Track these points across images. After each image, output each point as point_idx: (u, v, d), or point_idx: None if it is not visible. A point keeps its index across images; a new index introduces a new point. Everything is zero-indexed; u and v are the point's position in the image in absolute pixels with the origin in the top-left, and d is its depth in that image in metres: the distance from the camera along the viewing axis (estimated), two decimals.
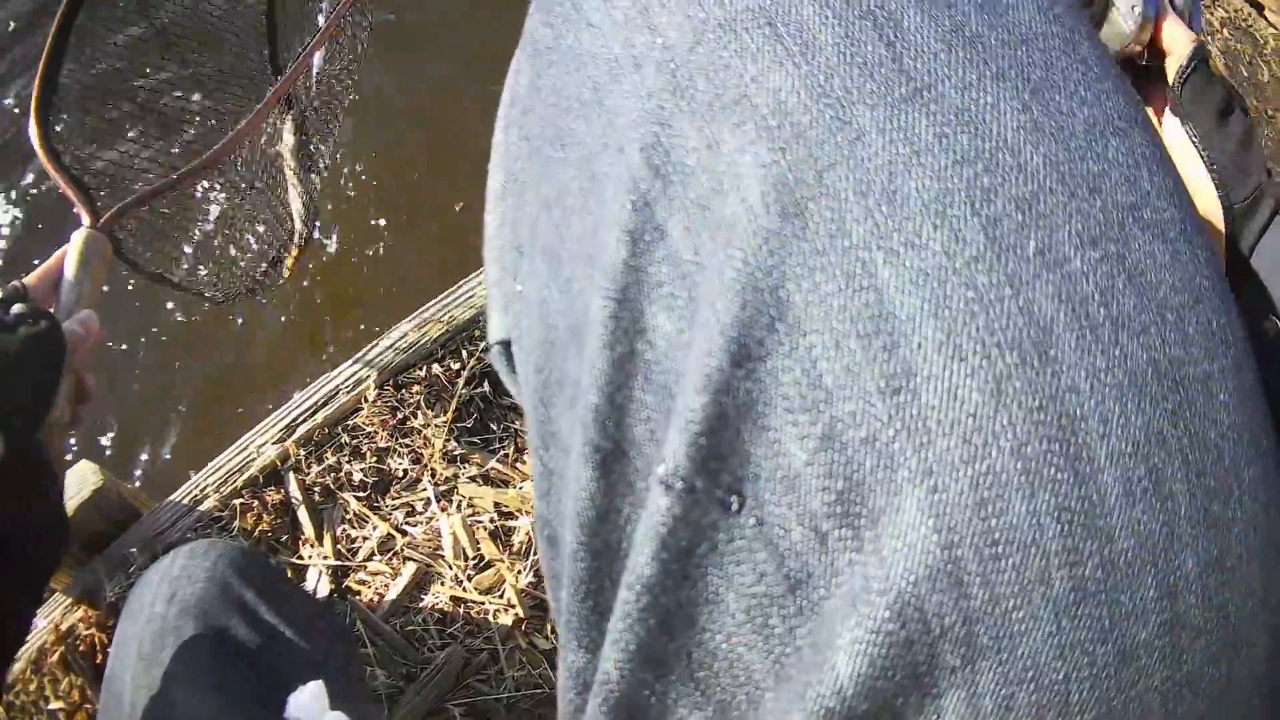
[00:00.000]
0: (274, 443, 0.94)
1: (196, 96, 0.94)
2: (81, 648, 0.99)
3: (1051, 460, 0.18)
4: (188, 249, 0.81)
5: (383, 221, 1.51)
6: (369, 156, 1.57)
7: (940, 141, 0.19)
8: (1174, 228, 0.21)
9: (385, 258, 1.48)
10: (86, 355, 0.61)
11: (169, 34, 0.90)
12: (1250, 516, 0.20)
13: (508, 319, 0.28)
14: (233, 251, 0.95)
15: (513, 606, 0.89)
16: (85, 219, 0.69)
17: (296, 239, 0.85)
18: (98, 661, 0.99)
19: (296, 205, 0.87)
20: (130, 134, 0.89)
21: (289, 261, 0.86)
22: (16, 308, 0.57)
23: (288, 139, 0.90)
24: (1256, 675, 0.20)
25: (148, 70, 0.91)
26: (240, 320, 1.48)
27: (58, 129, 0.75)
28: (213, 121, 0.95)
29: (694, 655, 0.22)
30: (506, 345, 0.29)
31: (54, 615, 1.00)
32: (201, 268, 0.84)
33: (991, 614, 0.18)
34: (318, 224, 0.89)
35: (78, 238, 0.67)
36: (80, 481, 0.97)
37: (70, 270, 0.65)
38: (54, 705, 0.99)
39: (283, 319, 1.45)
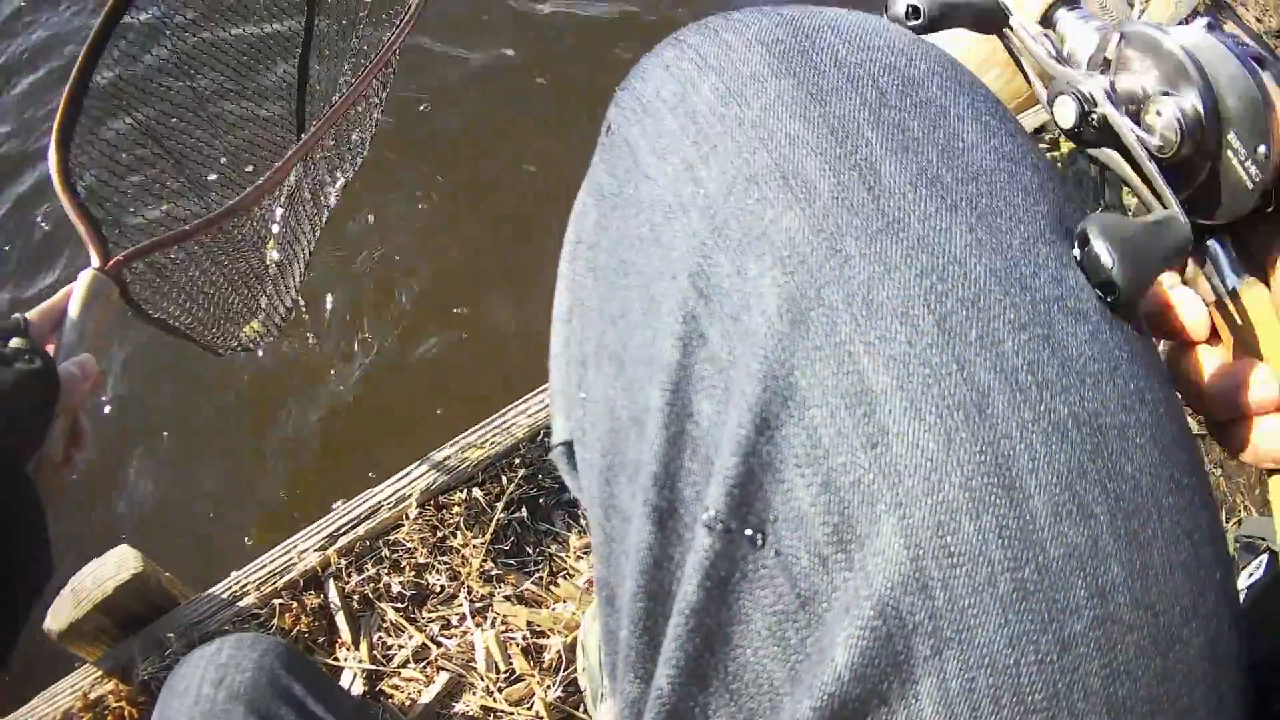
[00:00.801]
0: (316, 549, 0.97)
1: (220, 145, 0.92)
2: (109, 718, 1.03)
3: (991, 490, 0.23)
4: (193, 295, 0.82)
5: (433, 341, 1.54)
6: (421, 274, 1.59)
7: (906, 260, 0.25)
8: (1095, 313, 0.26)
9: (432, 375, 1.49)
10: (81, 398, 0.61)
11: (199, 77, 0.89)
12: (1171, 537, 0.24)
13: (570, 422, 0.35)
14: (236, 303, 0.94)
15: (540, 718, 0.93)
16: (94, 259, 0.68)
17: (286, 303, 0.86)
18: None
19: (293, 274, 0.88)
20: (147, 177, 0.88)
21: (255, 326, 0.87)
22: (14, 342, 0.57)
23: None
24: (1193, 671, 0.24)
25: (170, 113, 0.88)
26: (289, 424, 1.49)
27: (78, 161, 0.74)
28: (234, 172, 0.94)
29: (729, 668, 0.27)
30: (569, 446, 0.35)
31: (83, 684, 1.04)
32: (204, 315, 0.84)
33: (951, 611, 0.23)
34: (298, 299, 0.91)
35: (84, 278, 0.65)
36: (120, 564, 0.99)
37: (74, 309, 0.64)
38: None
39: (328, 428, 1.48)
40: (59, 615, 1.02)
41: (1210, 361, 0.35)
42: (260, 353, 0.92)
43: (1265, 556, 0.87)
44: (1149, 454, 0.25)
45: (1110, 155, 0.35)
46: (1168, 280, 0.37)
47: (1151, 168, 0.33)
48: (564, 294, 0.36)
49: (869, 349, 0.25)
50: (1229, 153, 0.33)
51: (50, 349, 0.63)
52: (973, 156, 0.28)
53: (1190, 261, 0.38)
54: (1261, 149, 0.32)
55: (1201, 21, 0.35)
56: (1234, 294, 0.36)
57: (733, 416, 0.26)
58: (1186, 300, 0.35)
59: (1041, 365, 0.24)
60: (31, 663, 1.38)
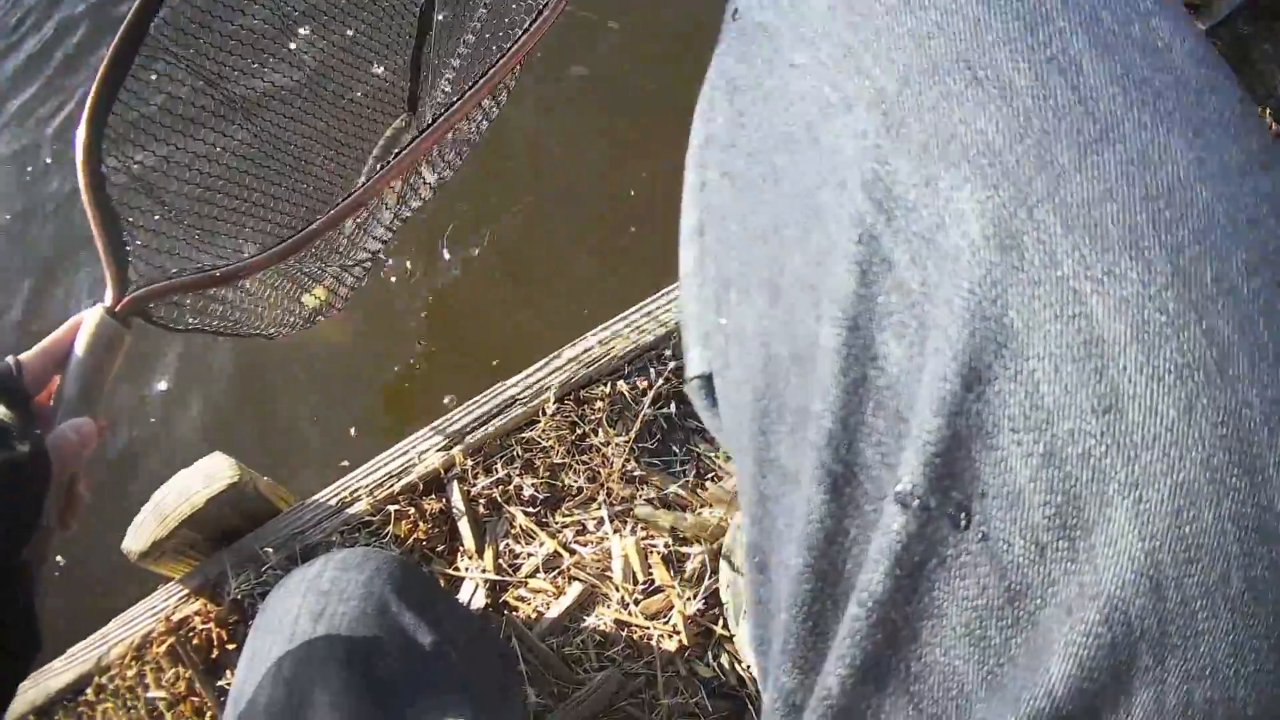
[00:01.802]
0: (439, 449, 0.89)
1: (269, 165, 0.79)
2: (195, 641, 0.94)
3: (1231, 470, 0.20)
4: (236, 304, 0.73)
5: (566, 229, 1.41)
6: (554, 157, 1.47)
7: (1127, 178, 0.21)
8: None
9: (568, 267, 1.37)
10: (80, 466, 0.54)
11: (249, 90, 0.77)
12: None
13: (708, 352, 0.30)
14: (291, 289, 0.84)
15: (677, 633, 0.86)
16: (108, 295, 0.60)
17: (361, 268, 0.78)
18: (213, 658, 0.94)
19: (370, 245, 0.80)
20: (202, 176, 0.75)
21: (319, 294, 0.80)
22: (1, 411, 0.49)
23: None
24: None
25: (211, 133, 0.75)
26: (411, 320, 1.38)
27: (118, 141, 0.65)
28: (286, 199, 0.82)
29: (912, 668, 0.23)
30: (707, 379, 0.30)
31: (166, 604, 0.95)
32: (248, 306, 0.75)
33: (1182, 614, 0.20)
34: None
35: (92, 319, 0.58)
36: (211, 475, 0.92)
37: (80, 349, 0.57)
38: (154, 694, 0.93)
39: (448, 316, 1.35)
40: (140, 534, 0.93)
41: None
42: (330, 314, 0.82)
43: None
44: None
45: None
46: None
47: None
48: (693, 204, 0.31)
49: (1097, 288, 0.20)
50: None
51: (52, 386, 0.56)
52: (1172, 58, 0.23)
53: None
54: None
55: None
56: None
57: (932, 364, 0.22)
58: None
59: (1276, 317, 0.20)
60: (109, 585, 1.27)
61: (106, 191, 0.63)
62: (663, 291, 0.89)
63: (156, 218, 0.69)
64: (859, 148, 0.23)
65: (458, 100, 0.61)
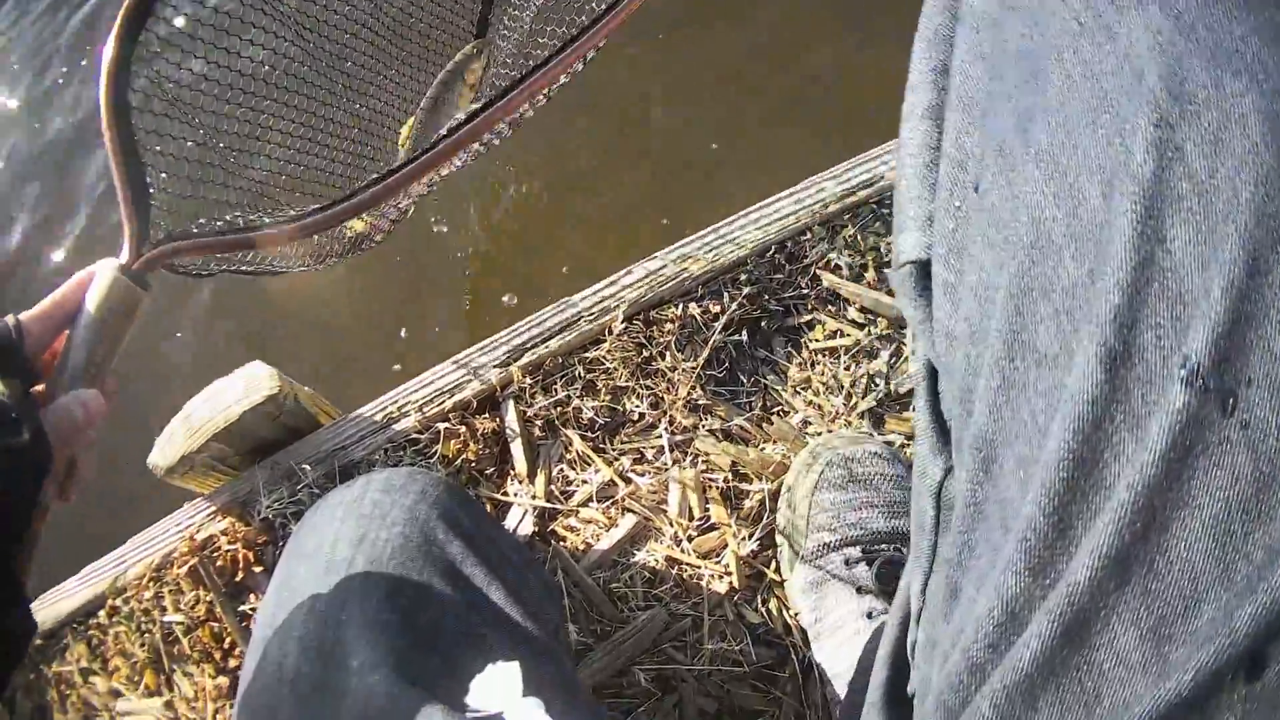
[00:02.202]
0: (496, 365, 0.85)
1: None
2: (219, 562, 0.89)
3: None
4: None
5: (642, 147, 1.34)
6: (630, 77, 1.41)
7: None
8: None
9: (651, 173, 1.29)
10: (82, 443, 0.49)
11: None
12: None
13: (928, 238, 0.30)
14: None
15: (729, 574, 0.81)
16: (124, 251, 0.54)
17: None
18: (238, 580, 0.89)
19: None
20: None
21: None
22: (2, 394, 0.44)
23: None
24: None
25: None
26: (474, 219, 1.31)
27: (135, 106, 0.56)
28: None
29: (1156, 564, 0.22)
30: (921, 265, 0.30)
31: (192, 522, 0.90)
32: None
33: None
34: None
35: (105, 276, 0.51)
36: (251, 385, 0.87)
37: (90, 310, 0.51)
38: (171, 617, 0.88)
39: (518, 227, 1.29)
40: (169, 447, 0.89)
41: None
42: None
43: None
44: None
45: None
46: None
47: None
48: (928, 85, 0.31)
49: None
50: None
51: (59, 345, 0.52)
52: None
53: None
54: None
55: None
56: None
57: (1220, 250, 0.22)
58: None
59: None
60: (134, 499, 1.21)
61: (131, 122, 0.55)
62: (743, 212, 0.86)
63: (189, 144, 0.62)
64: (1154, 43, 0.24)
65: (536, 71, 0.52)
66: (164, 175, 0.59)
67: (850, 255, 0.86)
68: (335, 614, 0.52)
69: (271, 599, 0.56)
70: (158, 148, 0.58)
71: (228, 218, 0.61)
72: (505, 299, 1.19)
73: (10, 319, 0.49)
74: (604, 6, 0.56)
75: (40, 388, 0.51)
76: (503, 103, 0.51)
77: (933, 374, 0.32)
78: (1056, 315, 0.25)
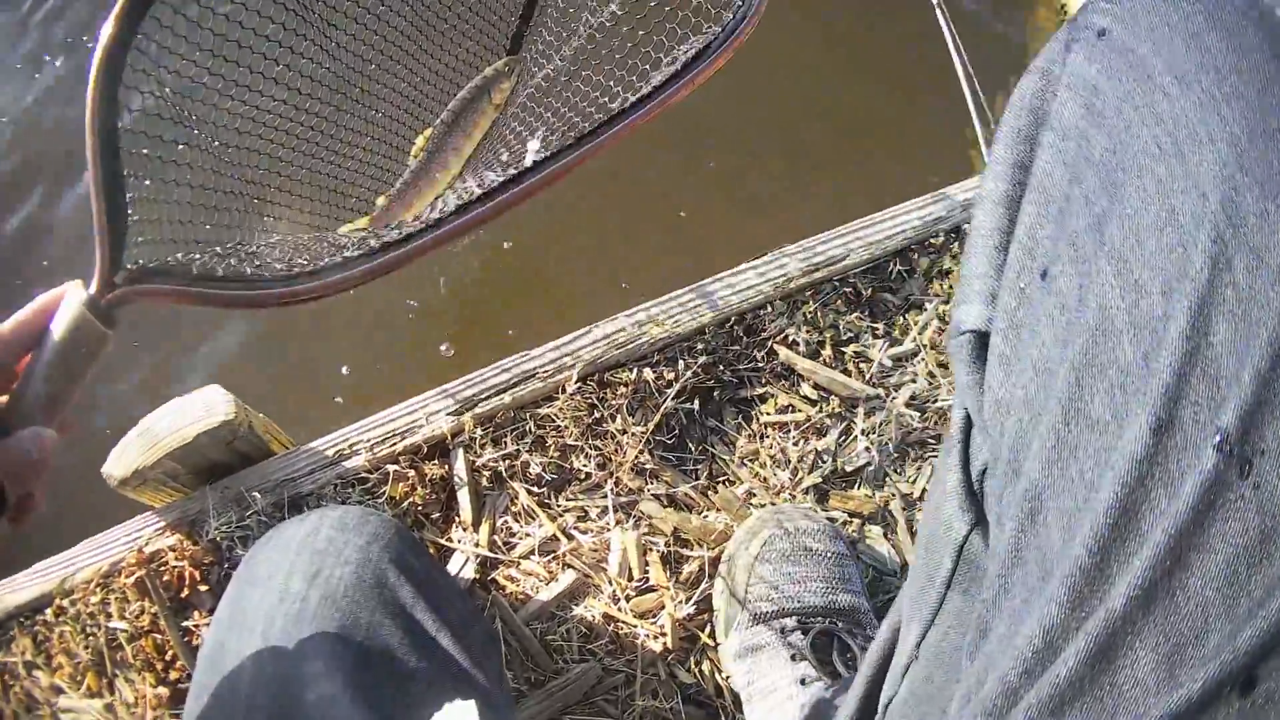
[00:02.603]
0: (449, 413, 0.86)
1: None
2: (165, 577, 0.90)
3: None
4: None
5: (605, 214, 1.36)
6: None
7: None
8: None
9: (602, 250, 1.32)
10: (35, 484, 0.47)
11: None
12: None
13: (990, 311, 0.35)
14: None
15: (664, 634, 0.83)
16: (93, 282, 0.50)
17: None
18: (183, 596, 0.90)
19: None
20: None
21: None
22: None
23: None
24: None
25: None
26: (442, 277, 1.33)
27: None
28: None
29: (1176, 595, 0.26)
30: (980, 335, 0.35)
31: (141, 535, 0.91)
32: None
33: None
34: None
35: (71, 307, 0.48)
36: (209, 407, 0.88)
37: (56, 338, 0.48)
38: (116, 624, 0.90)
39: (475, 281, 1.31)
40: (124, 459, 0.89)
41: None
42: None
43: None
44: None
45: None
46: None
47: None
48: (1007, 175, 0.35)
49: None
50: None
51: (21, 367, 0.49)
52: None
53: None
54: None
55: None
56: None
57: (1252, 345, 0.26)
58: None
59: None
60: (85, 506, 1.22)
61: (119, 144, 0.51)
62: (704, 281, 0.86)
63: (180, 146, 0.58)
64: (1217, 173, 0.28)
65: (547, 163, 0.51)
66: (147, 187, 0.54)
67: (808, 332, 0.86)
68: (289, 645, 0.53)
69: (222, 623, 0.57)
70: (144, 151, 0.53)
71: (211, 255, 0.58)
72: (443, 348, 1.20)
73: None
74: (664, 80, 0.55)
75: None
76: (548, 172, 0.52)
77: (965, 440, 0.37)
78: (1111, 389, 0.29)
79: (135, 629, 0.91)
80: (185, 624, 0.89)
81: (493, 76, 0.73)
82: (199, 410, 0.88)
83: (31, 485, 0.46)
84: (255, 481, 0.89)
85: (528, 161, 0.52)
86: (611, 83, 0.61)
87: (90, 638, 0.93)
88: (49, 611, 0.93)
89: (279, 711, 0.50)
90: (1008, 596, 0.31)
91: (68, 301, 0.49)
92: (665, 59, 0.57)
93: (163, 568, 0.90)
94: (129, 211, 0.52)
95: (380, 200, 0.72)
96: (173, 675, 0.90)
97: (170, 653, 0.91)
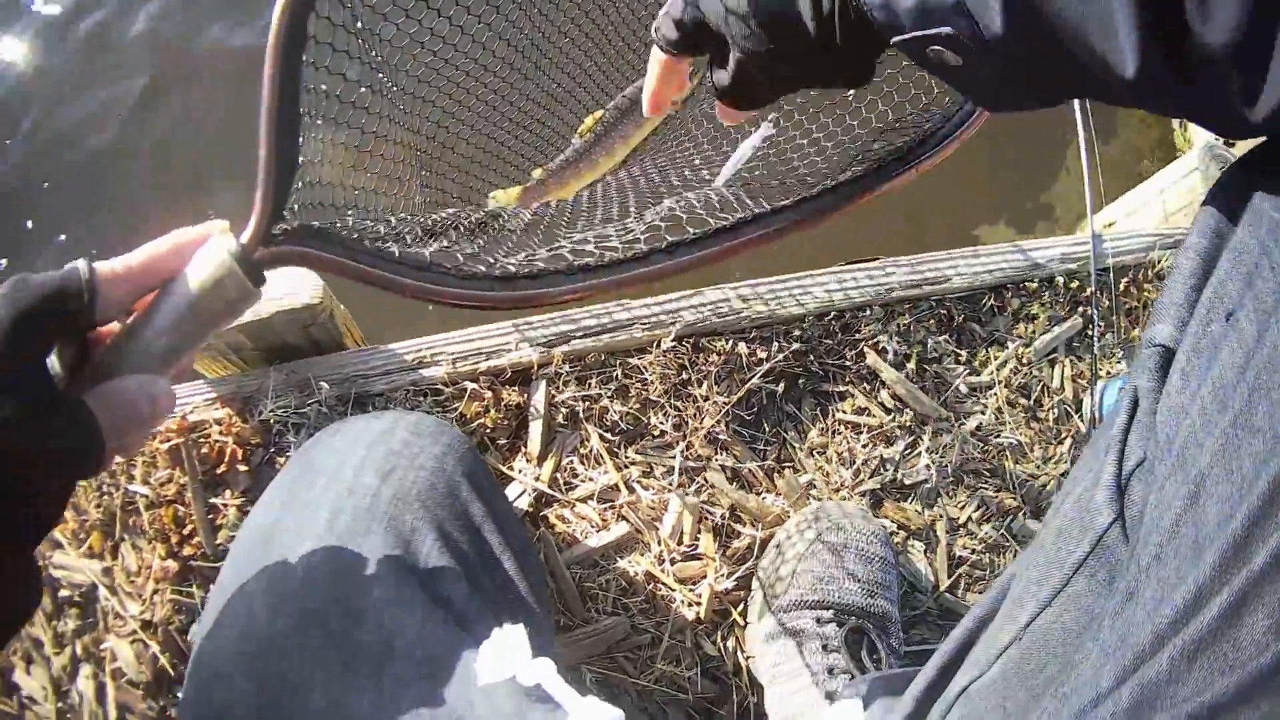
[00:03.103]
0: (540, 343, 0.86)
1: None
2: (204, 449, 0.88)
3: None
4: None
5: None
6: None
7: None
8: None
9: None
10: (136, 443, 0.42)
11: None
12: None
13: (1179, 334, 0.40)
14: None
15: (698, 604, 0.84)
16: (246, 230, 0.45)
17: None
18: (218, 472, 0.88)
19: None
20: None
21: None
22: (54, 363, 0.37)
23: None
24: None
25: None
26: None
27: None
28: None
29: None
30: (1166, 351, 0.40)
31: (189, 402, 0.89)
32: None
33: None
34: None
35: (217, 257, 0.43)
36: (294, 288, 0.86)
37: (191, 287, 0.42)
38: (137, 487, 0.87)
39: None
40: None
41: None
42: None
43: None
44: None
45: None
46: None
47: None
48: (1205, 236, 0.41)
49: None
50: None
51: (137, 314, 0.44)
52: None
53: None
54: None
55: None
56: None
57: None
58: None
59: None
60: None
61: (299, 73, 0.46)
62: (813, 272, 0.88)
63: (363, 89, 0.55)
64: None
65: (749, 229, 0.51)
66: (319, 127, 0.49)
67: (898, 343, 0.89)
68: (355, 537, 0.51)
69: (274, 505, 0.56)
70: (323, 89, 0.48)
71: (377, 224, 0.53)
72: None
73: (83, 267, 0.40)
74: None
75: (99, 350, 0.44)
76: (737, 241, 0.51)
77: (1124, 440, 0.41)
78: (1273, 407, 0.33)
79: (157, 496, 0.88)
80: (213, 500, 0.87)
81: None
82: (283, 288, 0.86)
83: (132, 442, 0.42)
84: (325, 371, 0.88)
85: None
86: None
87: (105, 496, 0.90)
88: None
89: (338, 601, 0.49)
90: (1160, 565, 0.35)
91: (212, 248, 0.43)
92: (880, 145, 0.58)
93: (202, 439, 0.88)
94: (299, 153, 0.47)
95: (536, 173, 0.72)
96: (186, 550, 0.88)
97: (190, 527, 0.88)
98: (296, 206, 0.48)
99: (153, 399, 0.41)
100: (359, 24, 0.54)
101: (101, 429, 0.39)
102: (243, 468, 0.88)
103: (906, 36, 0.42)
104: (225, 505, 0.87)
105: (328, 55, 0.50)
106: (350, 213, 0.55)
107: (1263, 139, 0.39)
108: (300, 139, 0.47)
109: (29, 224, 1.55)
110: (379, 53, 0.60)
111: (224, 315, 0.44)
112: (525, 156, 0.80)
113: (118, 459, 0.88)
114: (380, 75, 0.61)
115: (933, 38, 0.41)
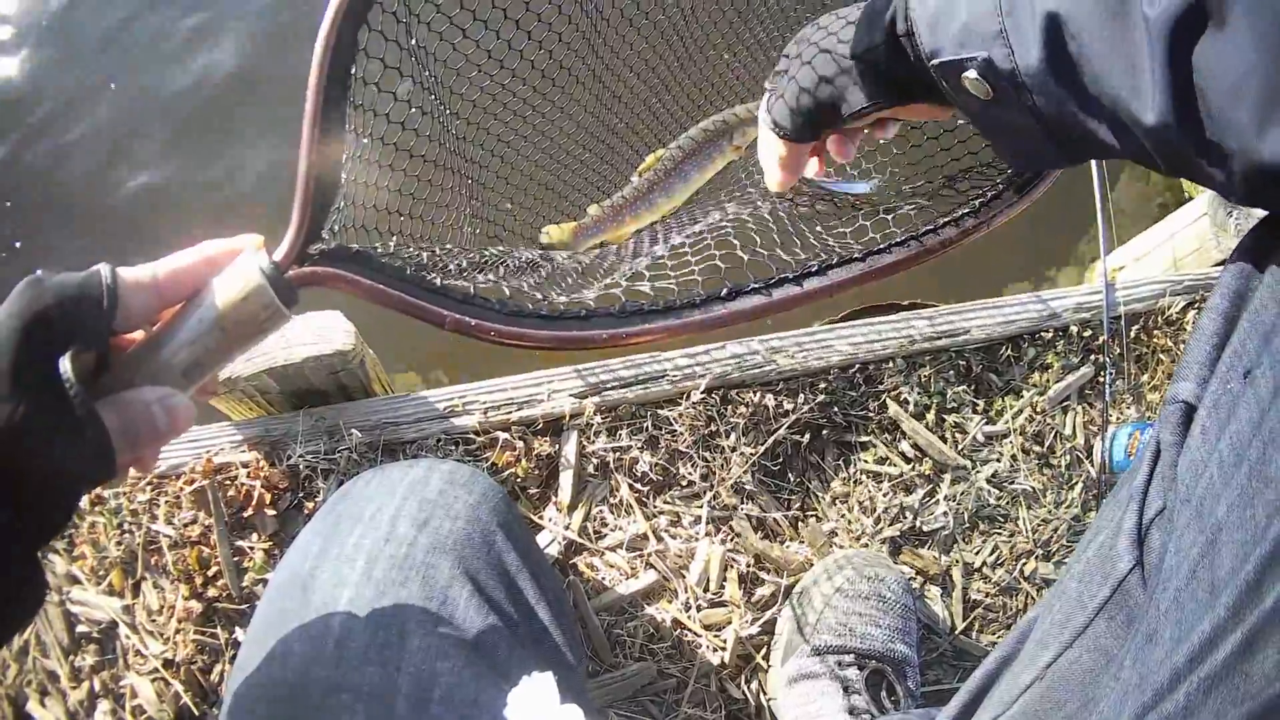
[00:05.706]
0: (572, 394, 0.87)
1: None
2: (230, 492, 0.88)
3: None
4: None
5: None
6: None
7: None
8: None
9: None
10: (150, 456, 0.42)
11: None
12: None
13: (1200, 390, 0.41)
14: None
15: (723, 649, 0.86)
16: (281, 247, 0.43)
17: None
18: (245, 515, 0.88)
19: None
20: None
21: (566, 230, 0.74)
22: (64, 365, 0.35)
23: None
24: None
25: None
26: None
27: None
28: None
29: None
30: (1188, 408, 0.42)
31: (214, 444, 0.89)
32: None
33: None
34: None
35: (247, 275, 0.41)
36: (324, 333, 0.86)
37: (217, 303, 0.41)
38: (160, 527, 0.87)
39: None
40: None
41: None
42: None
43: None
44: None
45: None
46: None
47: None
48: (1227, 298, 0.42)
49: None
50: None
51: (160, 325, 0.42)
52: None
53: None
54: None
55: None
56: None
57: None
58: None
59: None
60: None
61: (349, 87, 0.44)
62: (841, 325, 0.90)
63: (414, 110, 0.53)
64: None
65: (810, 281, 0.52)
66: (364, 145, 0.47)
67: (919, 394, 0.91)
68: (393, 588, 0.52)
69: (310, 552, 0.56)
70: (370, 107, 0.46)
71: (420, 252, 0.52)
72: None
73: (105, 272, 0.39)
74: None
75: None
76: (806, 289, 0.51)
77: (1145, 491, 0.43)
78: None
79: (181, 537, 0.88)
80: (238, 543, 0.87)
81: (737, 122, 0.72)
82: (314, 334, 0.86)
83: (144, 449, 0.41)
84: (355, 417, 0.88)
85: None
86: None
87: (126, 535, 0.90)
88: (86, 498, 0.90)
89: (379, 651, 0.50)
90: (1178, 609, 0.37)
91: (243, 264, 0.42)
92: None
93: (228, 481, 0.88)
94: (342, 171, 0.45)
95: (592, 209, 0.71)
96: (211, 592, 0.88)
97: (215, 569, 0.88)
98: (336, 227, 0.46)
99: (169, 411, 0.40)
100: (413, 40, 0.53)
101: (112, 438, 0.38)
102: (270, 512, 0.88)
103: (947, 59, 0.44)
104: (252, 549, 0.88)
105: (379, 71, 0.48)
106: (393, 239, 0.54)
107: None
108: (345, 156, 0.45)
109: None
110: (433, 73, 0.59)
111: (252, 335, 0.42)
112: (581, 191, 0.79)
113: (139, 497, 0.88)
114: (433, 97, 0.60)
115: (970, 61, 0.43)
